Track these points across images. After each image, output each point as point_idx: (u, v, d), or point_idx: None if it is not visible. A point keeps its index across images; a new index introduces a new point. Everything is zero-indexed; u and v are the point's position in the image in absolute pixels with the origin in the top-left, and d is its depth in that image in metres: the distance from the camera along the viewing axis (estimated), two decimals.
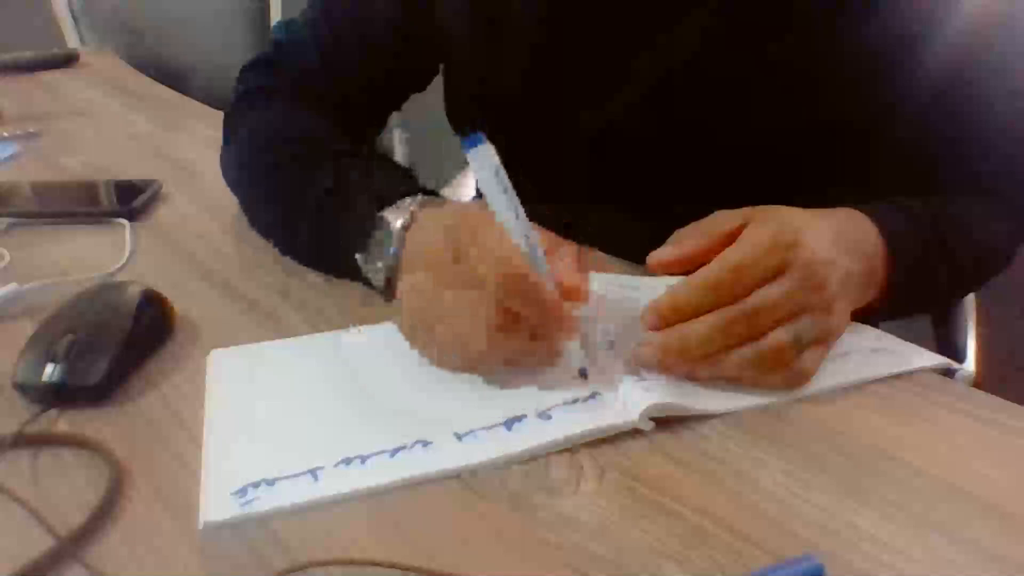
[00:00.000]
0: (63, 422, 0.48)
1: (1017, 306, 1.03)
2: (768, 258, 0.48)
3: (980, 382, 0.88)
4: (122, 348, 0.52)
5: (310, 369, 0.53)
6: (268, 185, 0.70)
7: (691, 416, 0.47)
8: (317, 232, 0.62)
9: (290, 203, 0.66)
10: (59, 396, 0.49)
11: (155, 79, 1.37)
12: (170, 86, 1.32)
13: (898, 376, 0.51)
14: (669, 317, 0.49)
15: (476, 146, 0.47)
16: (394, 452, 0.45)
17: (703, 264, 0.49)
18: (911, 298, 0.58)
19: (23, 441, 0.46)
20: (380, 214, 0.56)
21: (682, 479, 0.43)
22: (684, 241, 0.52)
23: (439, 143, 0.95)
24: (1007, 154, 0.66)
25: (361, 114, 0.79)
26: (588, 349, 0.53)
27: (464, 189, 1.16)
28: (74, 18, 1.75)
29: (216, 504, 0.41)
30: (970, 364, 0.91)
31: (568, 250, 0.51)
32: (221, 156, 0.78)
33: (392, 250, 0.55)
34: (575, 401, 0.48)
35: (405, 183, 0.60)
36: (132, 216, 0.77)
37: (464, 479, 0.43)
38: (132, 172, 0.88)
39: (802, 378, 0.49)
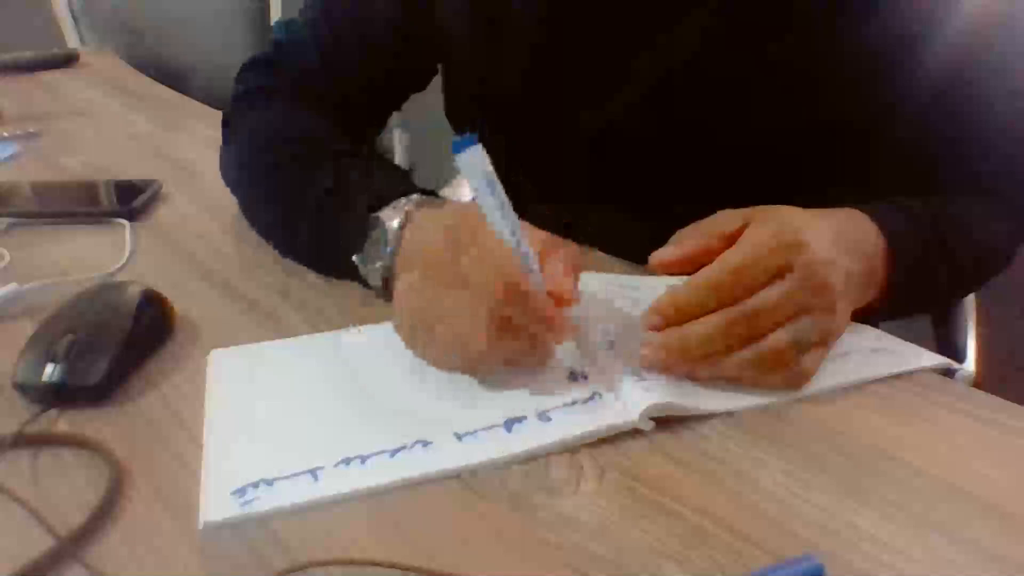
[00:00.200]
0: (63, 422, 0.48)
1: (1017, 306, 1.03)
2: (769, 259, 0.48)
3: (980, 382, 0.88)
4: (122, 348, 0.52)
5: (310, 369, 0.53)
6: (268, 185, 0.70)
7: (691, 416, 0.47)
8: (317, 232, 0.62)
9: (290, 203, 0.66)
10: (59, 396, 0.49)
11: (155, 79, 1.37)
12: (170, 86, 1.32)
13: (898, 376, 0.51)
14: (670, 317, 0.49)
15: (466, 148, 0.47)
16: (394, 452, 0.45)
17: (704, 264, 0.49)
18: (911, 298, 0.58)
19: (23, 441, 0.46)
20: (376, 214, 0.56)
21: (682, 479, 0.43)
22: (685, 241, 0.52)
23: (439, 143, 0.95)
24: (1007, 154, 0.66)
25: (361, 114, 0.79)
26: (588, 349, 0.53)
27: (464, 189, 1.16)
28: (74, 18, 1.75)
29: (216, 504, 0.41)
30: (970, 364, 0.91)
31: (560, 254, 0.50)
32: (220, 156, 0.78)
33: (388, 250, 0.55)
34: (575, 403, 0.48)
35: (403, 183, 0.60)
36: (132, 216, 0.77)
37: (464, 479, 0.43)
38: (132, 172, 0.88)
39: (802, 379, 0.49)
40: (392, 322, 0.52)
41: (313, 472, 0.43)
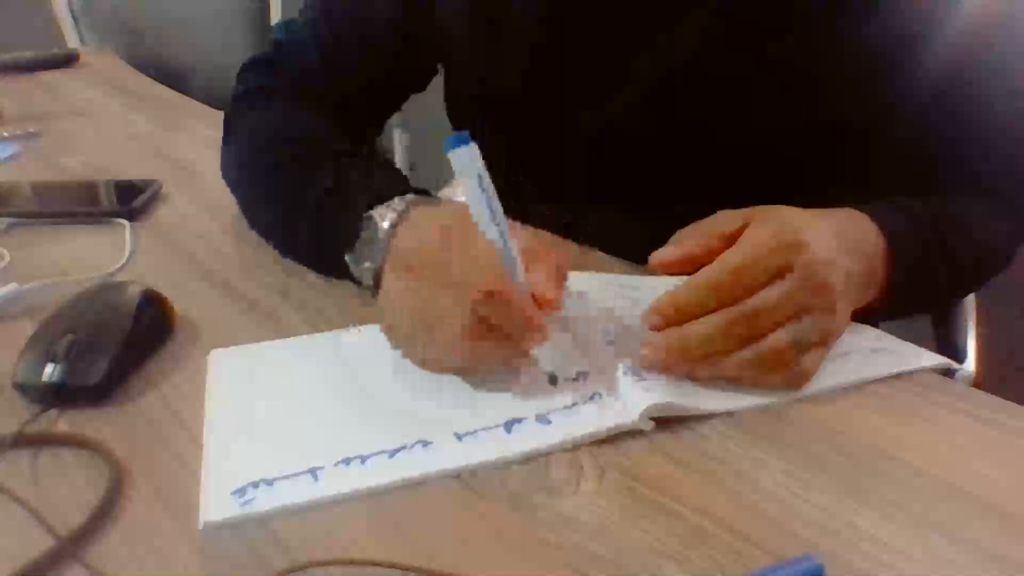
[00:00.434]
0: (63, 422, 0.48)
1: (1017, 306, 1.03)
2: (769, 259, 0.48)
3: (980, 382, 0.88)
4: (122, 348, 0.52)
5: (310, 369, 0.53)
6: (267, 185, 0.70)
7: (691, 416, 0.47)
8: (315, 232, 0.62)
9: (289, 203, 0.66)
10: (59, 396, 0.49)
11: (155, 79, 1.37)
12: (170, 86, 1.32)
13: (898, 376, 0.51)
14: (670, 317, 0.49)
15: (459, 146, 0.47)
16: (394, 452, 0.45)
17: (704, 265, 0.49)
18: (911, 298, 0.58)
19: (23, 441, 0.46)
20: (369, 213, 0.56)
21: (682, 479, 0.43)
22: (685, 241, 0.52)
23: (439, 143, 0.95)
24: (1007, 154, 0.66)
25: (361, 114, 0.79)
26: (588, 349, 0.53)
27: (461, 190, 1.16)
28: (74, 18, 1.75)
29: (216, 504, 0.41)
30: (970, 364, 0.91)
31: (548, 257, 0.50)
32: (221, 156, 0.78)
33: (379, 249, 0.55)
34: (575, 404, 0.48)
35: (400, 184, 0.59)
36: (132, 216, 0.77)
37: (464, 479, 0.43)
38: (132, 172, 0.88)
39: (802, 379, 0.49)
40: (379, 321, 0.52)
41: (313, 472, 0.43)
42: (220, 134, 0.79)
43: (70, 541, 0.39)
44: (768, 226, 0.49)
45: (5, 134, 1.05)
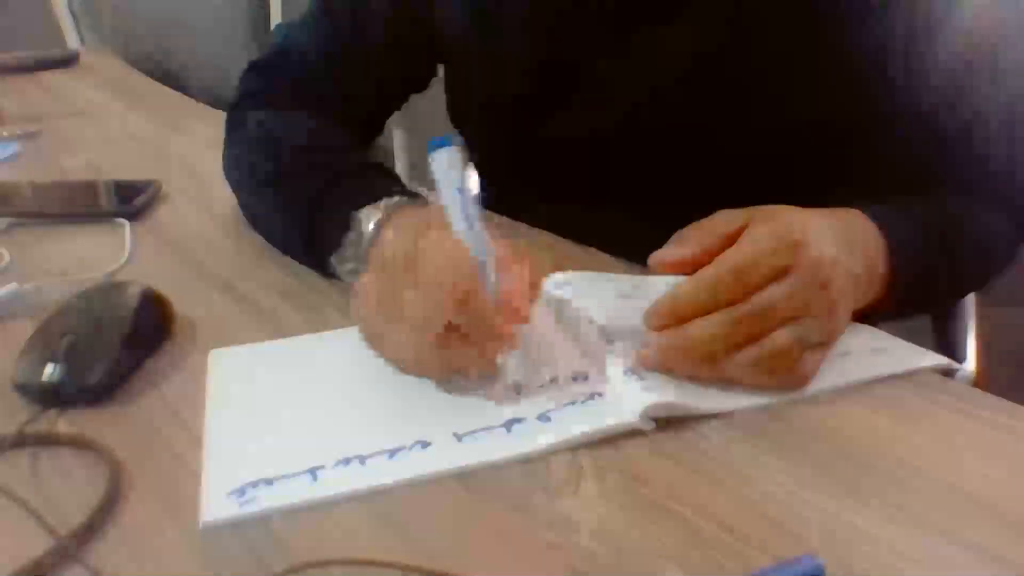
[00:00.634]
0: (63, 422, 0.48)
1: (1017, 306, 1.03)
2: (771, 258, 0.48)
3: (980, 382, 0.88)
4: (122, 348, 0.52)
5: (310, 369, 0.53)
6: (265, 187, 0.70)
7: (691, 416, 0.47)
8: (307, 233, 0.62)
9: (284, 205, 0.66)
10: (59, 396, 0.49)
11: (155, 79, 1.37)
12: (170, 86, 1.32)
13: (898, 376, 0.51)
14: (671, 318, 0.49)
15: (441, 148, 0.47)
16: (393, 452, 0.45)
17: (705, 265, 0.49)
18: (912, 298, 0.58)
19: (23, 441, 0.46)
20: (355, 213, 0.56)
21: (682, 479, 0.43)
22: (686, 241, 0.52)
23: None
24: (1007, 154, 0.66)
25: (361, 116, 0.79)
26: (588, 349, 0.53)
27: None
28: (74, 18, 1.75)
29: (216, 504, 0.41)
30: (970, 364, 0.91)
31: (522, 267, 0.50)
32: (223, 157, 0.78)
33: (362, 250, 0.55)
34: (574, 403, 0.48)
35: (392, 186, 0.59)
36: (132, 216, 0.77)
37: (464, 479, 0.43)
38: (132, 172, 0.88)
39: (803, 379, 0.49)
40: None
41: (313, 472, 0.43)
42: (220, 134, 0.79)
43: (70, 541, 0.39)
44: (769, 226, 0.49)
45: (5, 134, 1.05)
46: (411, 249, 0.48)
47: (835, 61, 0.63)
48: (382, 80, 0.79)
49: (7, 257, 0.69)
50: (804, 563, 0.36)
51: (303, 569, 0.37)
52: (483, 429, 0.46)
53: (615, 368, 0.50)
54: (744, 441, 0.46)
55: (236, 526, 0.40)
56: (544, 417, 0.47)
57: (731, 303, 0.47)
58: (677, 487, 0.42)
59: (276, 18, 1.61)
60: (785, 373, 0.48)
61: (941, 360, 0.53)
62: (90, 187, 0.86)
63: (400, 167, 1.74)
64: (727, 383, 0.49)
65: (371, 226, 0.55)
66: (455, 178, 0.46)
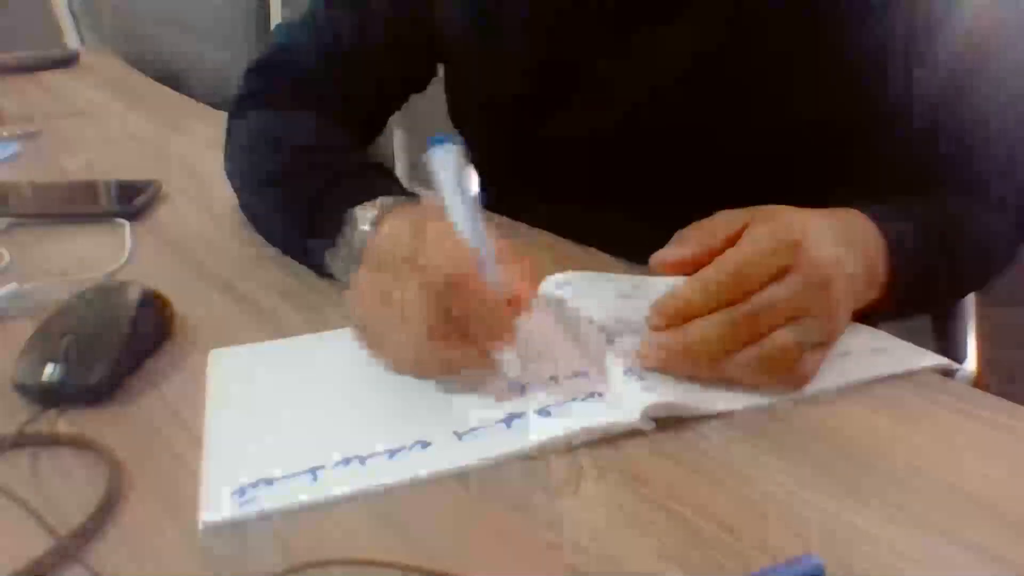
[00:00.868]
0: (63, 422, 0.48)
1: (1018, 306, 1.03)
2: (771, 259, 0.48)
3: (980, 382, 0.88)
4: (122, 348, 0.52)
5: (310, 369, 0.53)
6: (264, 187, 0.70)
7: (691, 416, 0.47)
8: (305, 233, 0.62)
9: (282, 204, 0.66)
10: (59, 396, 0.49)
11: (155, 79, 1.37)
12: (170, 86, 1.32)
13: (898, 376, 0.51)
14: (672, 317, 0.49)
15: (441, 145, 0.47)
16: (394, 452, 0.45)
17: (705, 265, 0.49)
18: (912, 298, 0.58)
19: (23, 441, 0.46)
20: (351, 211, 0.56)
21: (682, 479, 0.43)
22: (686, 242, 0.52)
23: None
24: (1007, 154, 0.66)
25: (361, 116, 0.79)
26: (588, 349, 0.53)
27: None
28: (74, 18, 1.75)
29: (216, 504, 0.41)
30: (970, 364, 0.91)
31: (521, 264, 0.50)
32: (224, 158, 0.78)
33: (356, 248, 0.55)
34: (575, 400, 0.48)
35: (389, 185, 0.59)
36: (132, 216, 0.77)
37: (464, 479, 0.43)
38: (132, 172, 0.88)
39: (803, 379, 0.49)
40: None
41: (313, 472, 0.43)
42: (220, 134, 0.79)
43: (70, 541, 0.39)
44: (769, 226, 0.49)
45: (5, 134, 1.05)
46: (407, 246, 0.48)
47: (835, 61, 0.63)
48: (382, 80, 0.79)
49: (7, 257, 0.69)
50: (804, 563, 0.36)
51: (303, 569, 0.37)
52: (483, 427, 0.46)
53: (615, 368, 0.50)
54: (744, 441, 0.46)
55: (236, 526, 0.40)
56: (544, 412, 0.47)
57: (731, 303, 0.47)
58: (677, 487, 0.42)
59: (276, 18, 1.61)
60: (785, 373, 0.48)
61: (941, 360, 0.53)
62: (90, 187, 0.86)
63: (400, 167, 1.74)
64: (727, 383, 0.49)
65: (366, 225, 0.55)
66: (454, 176, 0.46)
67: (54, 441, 0.47)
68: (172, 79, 1.37)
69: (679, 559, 0.38)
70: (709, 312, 0.48)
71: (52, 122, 1.11)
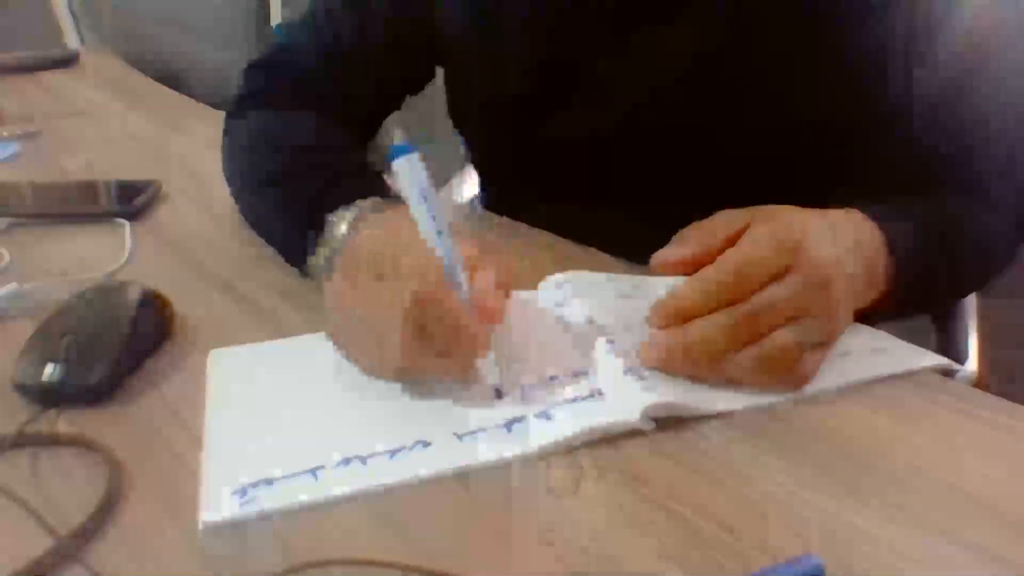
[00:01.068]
0: (63, 422, 0.48)
1: (1018, 306, 1.03)
2: (771, 259, 0.48)
3: (980, 382, 0.88)
4: (122, 348, 0.52)
5: (310, 369, 0.53)
6: (265, 187, 0.70)
7: (691, 416, 0.47)
8: (292, 234, 0.62)
9: (272, 205, 0.66)
10: (59, 396, 0.49)
11: (155, 79, 1.37)
12: (170, 86, 1.32)
13: (898, 376, 0.51)
14: (672, 317, 0.49)
15: (402, 155, 0.46)
16: (394, 452, 0.45)
17: (706, 265, 0.49)
18: (912, 298, 0.58)
19: (23, 441, 0.46)
20: (331, 215, 0.56)
21: (682, 479, 0.43)
22: (687, 242, 0.52)
23: (439, 143, 0.95)
24: (1007, 154, 0.66)
25: (361, 116, 0.79)
26: (588, 349, 0.53)
27: (462, 190, 1.17)
28: (74, 18, 1.75)
29: (216, 504, 0.41)
30: (971, 364, 0.91)
31: (491, 269, 0.49)
32: (222, 157, 0.78)
33: (333, 252, 0.54)
34: (575, 400, 0.48)
35: (374, 188, 0.59)
36: (132, 216, 0.77)
37: (464, 479, 0.43)
38: (132, 172, 0.88)
39: (803, 379, 0.49)
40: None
41: (313, 472, 0.43)
42: (220, 134, 0.79)
43: (70, 541, 0.39)
44: (769, 226, 0.49)
45: (5, 134, 1.05)
46: (380, 252, 0.48)
47: (835, 61, 0.63)
48: (382, 80, 0.79)
49: (7, 257, 0.69)
50: (804, 563, 0.36)
51: (303, 569, 0.37)
52: (483, 429, 0.46)
53: (615, 368, 0.50)
54: (744, 441, 0.46)
55: (236, 526, 0.40)
56: (544, 415, 0.47)
57: (732, 303, 0.47)
58: (677, 487, 0.42)
59: (276, 18, 1.61)
60: (785, 373, 0.48)
61: (941, 360, 0.53)
62: (90, 187, 0.86)
63: None
64: (727, 383, 0.49)
65: (343, 228, 0.54)
66: (418, 183, 0.46)
67: (54, 441, 0.47)
68: (172, 79, 1.37)
69: (679, 559, 0.38)
70: (709, 312, 0.48)
71: (52, 122, 1.11)
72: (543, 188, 0.76)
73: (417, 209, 0.47)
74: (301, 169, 0.66)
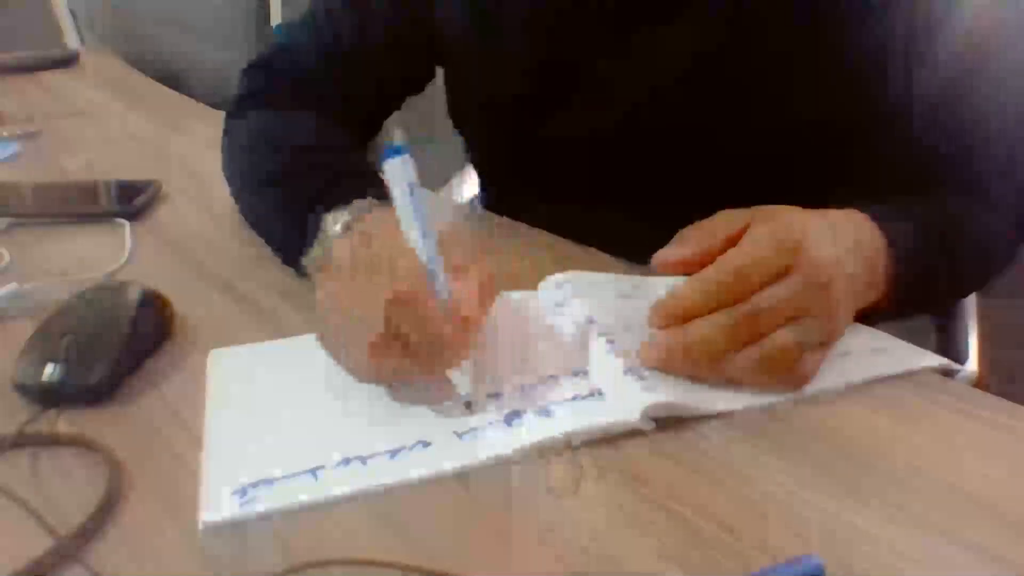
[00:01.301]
0: (63, 422, 0.48)
1: (1019, 306, 1.03)
2: (772, 259, 0.48)
3: (981, 382, 0.88)
4: (122, 348, 0.52)
5: (310, 369, 0.53)
6: (265, 187, 0.70)
7: (691, 416, 0.47)
8: (288, 235, 0.62)
9: (271, 205, 0.66)
10: (59, 396, 0.49)
11: (155, 79, 1.37)
12: (170, 86, 1.32)
13: (898, 376, 0.51)
14: (673, 317, 0.49)
15: (393, 156, 0.46)
16: (394, 452, 0.45)
17: (706, 265, 0.49)
18: (912, 298, 0.58)
19: (23, 441, 0.46)
20: (325, 215, 0.56)
21: (682, 479, 0.43)
22: (688, 241, 0.52)
23: (439, 143, 0.95)
24: (1007, 154, 0.66)
25: (361, 116, 0.79)
26: (588, 349, 0.52)
27: (462, 190, 1.17)
28: (74, 18, 1.75)
29: (216, 504, 0.41)
30: (971, 364, 0.90)
31: (475, 275, 0.49)
32: (222, 156, 0.78)
33: (325, 251, 0.54)
34: (575, 398, 0.48)
35: (369, 189, 0.59)
36: (132, 216, 0.77)
37: (464, 479, 0.43)
38: (132, 172, 0.88)
39: (803, 380, 0.49)
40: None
41: (313, 472, 0.43)
42: (220, 134, 0.79)
43: (70, 541, 0.39)
44: (769, 226, 0.49)
45: (5, 134, 1.05)
46: (366, 254, 0.48)
47: (835, 61, 0.63)
48: (382, 80, 0.79)
49: (7, 257, 0.69)
50: (804, 563, 0.36)
51: (303, 569, 0.37)
52: (483, 427, 0.46)
53: (615, 368, 0.50)
54: (744, 441, 0.46)
55: (236, 526, 0.40)
56: (544, 412, 0.47)
57: (732, 303, 0.47)
58: (677, 487, 0.42)
59: (276, 18, 1.61)
60: (785, 373, 0.48)
61: (941, 360, 0.53)
62: (90, 187, 0.86)
63: None
64: (727, 383, 0.49)
65: (337, 228, 0.54)
66: (406, 185, 0.46)
67: (54, 441, 0.47)
68: (172, 79, 1.37)
69: (679, 559, 0.38)
70: (709, 312, 0.48)
71: (52, 122, 1.11)
72: (543, 188, 0.76)
73: (402, 211, 0.47)
74: (300, 169, 0.66)
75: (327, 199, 0.59)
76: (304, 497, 0.42)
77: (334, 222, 0.55)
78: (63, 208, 0.80)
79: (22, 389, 0.50)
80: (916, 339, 0.55)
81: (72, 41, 1.75)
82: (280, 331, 0.58)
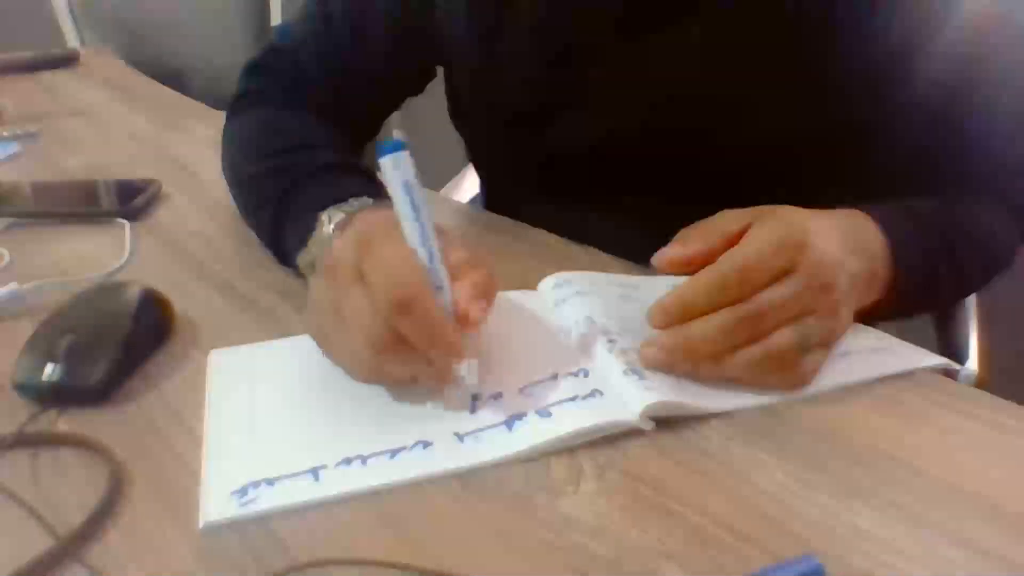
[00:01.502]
0: (63, 422, 0.49)
1: (1019, 306, 1.03)
2: (775, 258, 0.48)
3: (981, 382, 0.88)
4: (122, 348, 0.52)
5: (310, 369, 0.53)
6: (252, 186, 0.70)
7: (691, 416, 0.47)
8: (283, 234, 0.62)
9: (267, 204, 0.66)
10: (59, 396, 0.49)
11: (155, 79, 1.37)
12: (170, 86, 1.32)
13: (898, 376, 0.51)
14: (673, 316, 0.49)
15: (390, 153, 0.46)
16: (395, 452, 0.45)
17: (708, 264, 0.49)
18: (914, 299, 0.58)
19: (23, 441, 0.46)
20: (321, 214, 0.56)
21: (682, 479, 0.43)
22: (689, 241, 0.52)
23: (439, 143, 0.95)
24: (1008, 154, 0.66)
25: (359, 116, 0.79)
26: (588, 349, 0.53)
27: (462, 190, 1.17)
28: (74, 18, 1.75)
29: (216, 504, 0.41)
30: (971, 364, 0.91)
31: (474, 276, 0.49)
32: (220, 156, 0.78)
33: (321, 252, 0.54)
34: (575, 398, 0.48)
35: (364, 188, 0.58)
36: (132, 216, 0.77)
37: (464, 479, 0.43)
38: (132, 172, 0.88)
39: (803, 380, 0.49)
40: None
41: (314, 472, 0.43)
42: (220, 134, 0.79)
43: (70, 541, 0.39)
44: (772, 226, 0.49)
45: (5, 134, 1.05)
46: (360, 254, 0.48)
47: (837, 63, 0.62)
48: (380, 81, 0.79)
49: (7, 257, 0.69)
50: (804, 563, 0.36)
51: (303, 569, 0.37)
52: (483, 428, 0.46)
53: (615, 367, 0.50)
54: (744, 441, 0.46)
55: (236, 526, 0.40)
56: (544, 412, 0.47)
57: (733, 303, 0.47)
58: (677, 487, 0.42)
59: (276, 18, 1.61)
60: (786, 373, 0.48)
61: (941, 360, 0.53)
62: (90, 187, 0.86)
63: None
64: (728, 383, 0.49)
65: (331, 227, 0.54)
66: (404, 183, 0.46)
67: (54, 441, 0.47)
68: (172, 79, 1.37)
69: (679, 559, 0.38)
70: (711, 311, 0.48)
71: (52, 122, 1.11)
72: (544, 189, 0.76)
73: (401, 209, 0.46)
74: (296, 168, 0.66)
75: (321, 198, 0.59)
76: (304, 497, 0.42)
77: (328, 221, 0.55)
78: (63, 208, 0.80)
79: (22, 389, 0.50)
80: (916, 339, 0.55)
81: (72, 41, 1.75)
82: (280, 331, 0.58)
